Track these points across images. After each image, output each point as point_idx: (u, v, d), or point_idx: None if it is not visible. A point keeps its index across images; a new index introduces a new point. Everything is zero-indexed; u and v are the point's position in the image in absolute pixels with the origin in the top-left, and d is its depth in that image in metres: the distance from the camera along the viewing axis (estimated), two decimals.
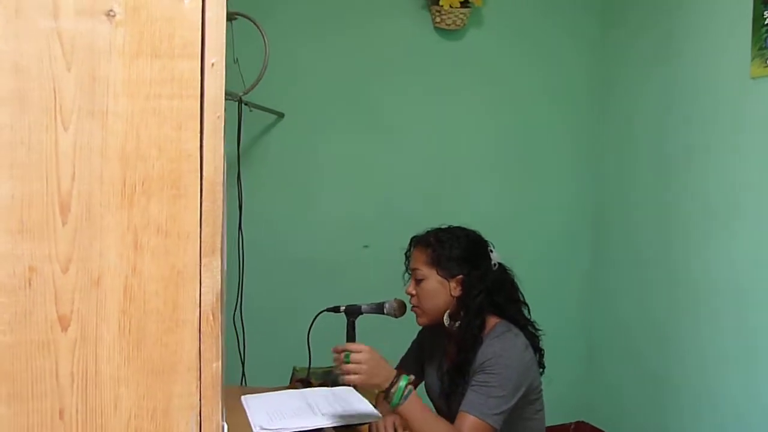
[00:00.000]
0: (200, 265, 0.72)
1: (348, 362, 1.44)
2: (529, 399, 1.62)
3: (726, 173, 2.13)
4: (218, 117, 0.72)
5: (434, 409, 1.69)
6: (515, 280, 1.74)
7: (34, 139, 0.66)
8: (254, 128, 2.37)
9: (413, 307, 1.72)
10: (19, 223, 0.66)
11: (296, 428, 1.43)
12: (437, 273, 1.67)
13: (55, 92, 0.66)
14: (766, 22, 2.01)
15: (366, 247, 2.51)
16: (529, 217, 2.68)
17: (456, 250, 1.69)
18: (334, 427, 1.45)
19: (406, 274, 1.75)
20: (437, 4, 2.48)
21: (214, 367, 0.73)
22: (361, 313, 1.78)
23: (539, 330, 1.71)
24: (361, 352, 1.44)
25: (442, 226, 1.74)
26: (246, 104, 2.15)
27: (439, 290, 1.67)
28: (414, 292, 1.70)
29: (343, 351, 1.46)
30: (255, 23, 2.12)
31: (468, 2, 2.50)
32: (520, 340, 1.62)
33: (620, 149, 2.67)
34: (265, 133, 2.42)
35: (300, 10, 2.41)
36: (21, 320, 0.66)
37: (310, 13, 2.43)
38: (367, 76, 2.50)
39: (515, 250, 2.38)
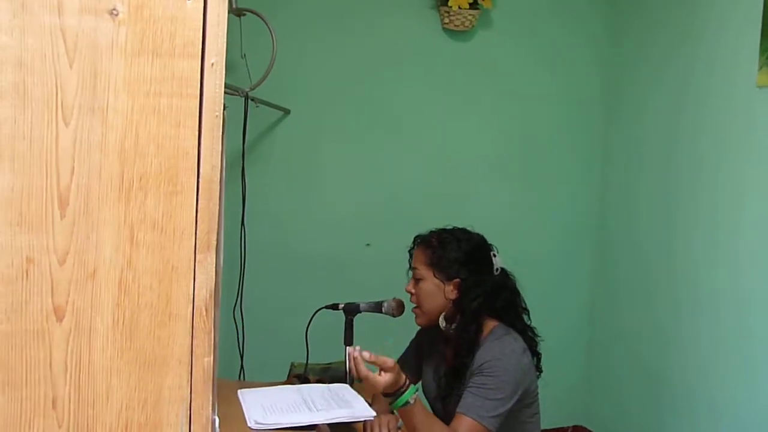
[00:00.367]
0: (195, 262, 0.73)
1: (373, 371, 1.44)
2: (526, 402, 1.62)
3: (732, 179, 2.13)
4: (216, 116, 0.73)
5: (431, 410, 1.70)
6: (517, 286, 1.73)
7: (35, 134, 0.67)
8: (260, 124, 2.39)
9: (414, 307, 1.73)
10: (18, 216, 0.67)
11: (291, 424, 1.45)
12: (435, 274, 1.68)
13: (57, 88, 0.67)
14: None
15: (368, 245, 2.52)
16: (534, 218, 2.68)
17: (456, 252, 1.69)
18: (328, 424, 1.46)
19: (409, 272, 1.76)
20: (446, 5, 2.48)
21: (205, 361, 0.75)
22: (360, 312, 1.79)
23: (538, 336, 1.71)
24: (388, 373, 1.43)
25: (447, 227, 1.74)
26: (252, 100, 2.17)
27: (436, 292, 1.68)
28: (413, 290, 1.71)
29: (373, 363, 1.44)
30: (263, 19, 2.13)
31: (477, 4, 2.51)
32: (518, 343, 1.63)
33: (627, 153, 2.67)
34: (270, 129, 2.44)
35: (309, 8, 2.42)
36: (17, 310, 0.67)
37: (319, 11, 2.44)
38: (374, 75, 2.51)
39: (519, 250, 2.40)
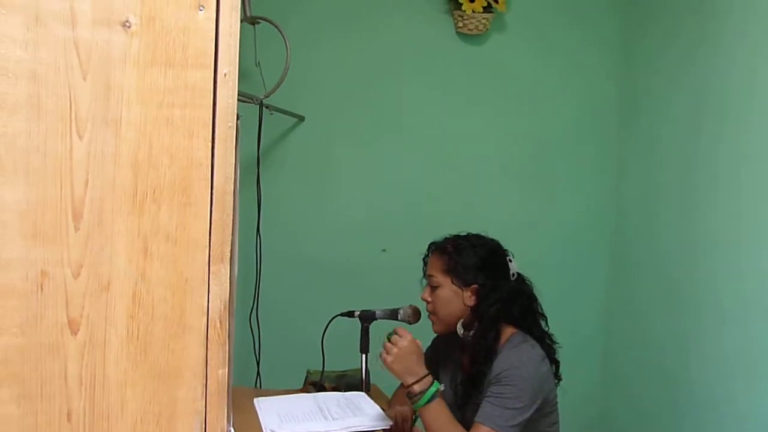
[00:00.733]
0: (208, 273, 0.73)
1: (388, 341, 1.54)
2: (545, 411, 1.60)
3: (756, 183, 2.08)
4: (230, 126, 0.73)
5: None
6: (534, 291, 1.71)
7: (49, 146, 0.67)
8: (274, 131, 2.39)
9: (429, 314, 1.72)
10: (32, 228, 0.67)
11: None
12: (452, 281, 1.66)
13: (70, 100, 0.68)
14: None
15: (384, 251, 2.51)
16: (549, 223, 2.65)
17: (473, 258, 1.67)
18: None
19: (423, 280, 1.74)
20: (460, 8, 2.47)
21: (220, 373, 0.74)
22: (376, 319, 1.78)
23: (556, 342, 1.69)
24: (403, 338, 1.53)
25: (461, 234, 1.73)
26: (267, 107, 2.17)
27: (453, 299, 1.66)
28: (429, 298, 1.70)
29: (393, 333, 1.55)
30: (277, 27, 2.14)
31: (491, 7, 2.49)
32: (536, 351, 1.60)
33: (643, 157, 2.63)
34: (285, 136, 2.44)
35: (322, 14, 2.43)
36: (32, 323, 0.67)
37: (332, 18, 2.44)
38: (388, 80, 2.50)
39: (534, 255, 2.37)
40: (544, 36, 2.60)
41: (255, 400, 1.62)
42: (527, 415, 1.51)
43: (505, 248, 1.73)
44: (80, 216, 0.68)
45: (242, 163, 2.30)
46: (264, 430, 1.45)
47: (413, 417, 1.69)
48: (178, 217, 0.71)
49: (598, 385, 2.77)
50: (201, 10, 0.70)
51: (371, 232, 2.49)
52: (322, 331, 1.78)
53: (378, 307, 1.82)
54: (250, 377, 2.21)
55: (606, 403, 2.77)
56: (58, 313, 0.68)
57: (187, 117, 0.71)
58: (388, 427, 1.50)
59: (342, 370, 1.93)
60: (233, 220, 0.80)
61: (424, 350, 1.81)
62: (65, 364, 0.68)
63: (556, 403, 1.65)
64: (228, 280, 0.74)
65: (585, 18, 2.64)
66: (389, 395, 1.85)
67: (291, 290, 2.41)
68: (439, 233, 1.75)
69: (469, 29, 2.51)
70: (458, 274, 1.66)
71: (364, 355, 1.77)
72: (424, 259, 1.74)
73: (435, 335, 1.78)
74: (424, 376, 1.52)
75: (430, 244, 1.73)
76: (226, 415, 0.77)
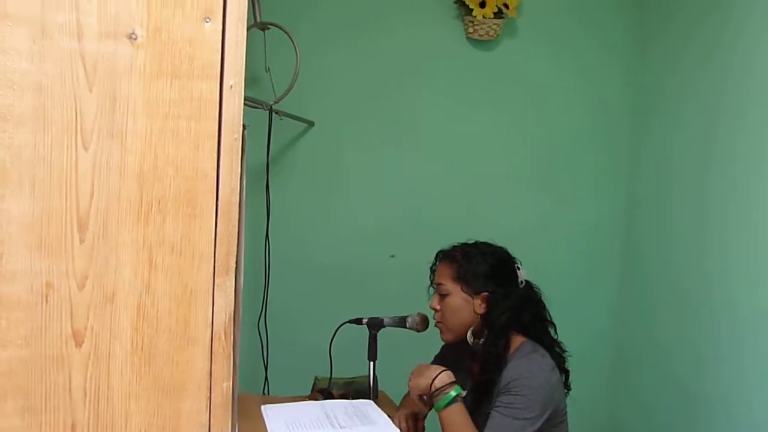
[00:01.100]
0: (213, 285, 0.72)
1: None
2: (554, 422, 1.58)
3: None
4: (236, 138, 0.73)
5: None
6: (542, 298, 1.70)
7: (54, 158, 0.67)
8: (284, 136, 2.39)
9: (437, 322, 1.71)
10: (38, 240, 0.67)
11: None
12: (462, 289, 1.65)
13: (76, 112, 0.67)
14: None
15: (392, 257, 2.50)
16: (558, 229, 2.63)
17: (482, 266, 1.66)
18: None
19: (431, 289, 1.73)
20: (470, 14, 2.46)
21: (224, 386, 0.74)
22: (384, 326, 1.77)
23: (565, 351, 1.68)
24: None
25: (469, 241, 1.72)
26: (276, 113, 2.17)
27: (464, 306, 1.65)
28: (438, 307, 1.69)
29: None
30: (287, 33, 2.14)
31: (502, 13, 2.48)
32: (546, 361, 1.59)
33: (655, 164, 2.60)
34: (294, 142, 2.44)
35: (332, 20, 2.43)
36: (37, 335, 0.67)
37: (342, 23, 2.44)
38: (398, 86, 2.50)
39: (544, 262, 2.35)
40: (555, 41, 2.59)
41: (262, 407, 1.62)
42: (537, 425, 1.49)
43: (513, 255, 1.71)
44: (85, 227, 0.68)
45: (252, 169, 2.31)
46: None
47: (423, 416, 1.70)
48: (183, 229, 0.71)
49: (608, 392, 2.74)
50: (207, 21, 0.70)
51: (380, 238, 2.49)
52: (330, 338, 1.78)
53: (386, 313, 1.82)
54: (258, 383, 2.21)
55: (616, 411, 2.74)
56: (63, 324, 0.68)
57: (193, 129, 0.71)
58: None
59: (350, 377, 1.92)
60: (239, 230, 0.80)
61: (432, 359, 1.81)
62: (69, 376, 0.68)
63: (566, 413, 1.63)
64: (233, 292, 0.74)
65: (596, 23, 2.62)
66: (397, 403, 1.84)
67: (299, 296, 2.40)
68: (449, 239, 1.74)
69: (479, 35, 2.50)
70: (468, 282, 1.65)
71: (372, 363, 1.76)
72: (431, 268, 1.72)
73: (443, 344, 1.77)
74: (441, 372, 1.57)
75: (438, 252, 1.72)
76: (230, 427, 0.76)
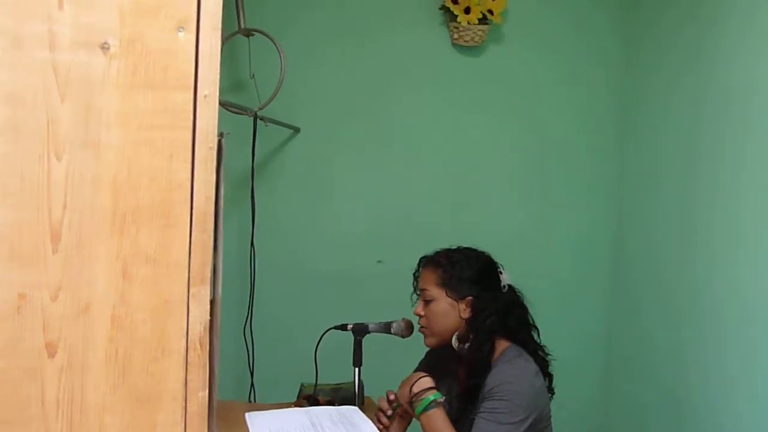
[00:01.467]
0: (188, 295, 0.72)
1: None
2: (539, 427, 1.58)
3: (755, 192, 2.07)
4: (210, 148, 0.73)
5: None
6: (525, 302, 1.71)
7: (27, 169, 0.67)
8: (270, 143, 2.39)
9: (421, 327, 1.71)
10: (10, 251, 0.67)
11: None
12: (447, 294, 1.65)
13: (49, 123, 0.67)
14: None
15: (380, 262, 2.50)
16: (547, 234, 2.64)
17: (467, 271, 1.67)
18: None
19: (414, 295, 1.74)
20: (455, 20, 2.47)
21: (200, 396, 0.73)
22: (369, 332, 1.77)
23: (549, 355, 1.68)
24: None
25: (452, 247, 1.72)
26: (261, 119, 2.17)
27: (449, 312, 1.66)
28: (422, 312, 1.69)
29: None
30: (272, 39, 2.14)
31: (486, 19, 2.49)
32: (530, 365, 1.60)
33: (644, 168, 2.62)
34: (280, 148, 2.44)
35: (317, 26, 2.43)
36: (9, 347, 0.67)
37: (327, 29, 2.44)
38: (384, 92, 2.50)
39: (533, 267, 2.37)
40: (540, 47, 2.60)
41: (246, 414, 1.61)
42: (521, 430, 1.50)
43: (495, 260, 1.72)
44: (58, 238, 0.68)
45: (237, 176, 2.31)
46: None
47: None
48: (157, 239, 0.71)
49: (597, 398, 2.75)
50: (181, 31, 0.70)
51: (367, 244, 2.49)
52: (315, 344, 1.78)
53: (374, 319, 1.82)
54: (244, 391, 2.20)
55: (606, 417, 2.75)
56: (36, 336, 0.68)
57: (167, 139, 0.71)
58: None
59: (336, 383, 1.92)
60: (217, 239, 0.79)
61: (417, 365, 1.81)
62: (43, 387, 0.68)
63: (550, 417, 1.63)
64: (208, 302, 0.73)
65: (581, 28, 2.64)
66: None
67: (285, 303, 2.40)
68: (436, 245, 1.75)
69: (465, 41, 2.52)
70: (453, 287, 1.65)
71: (357, 369, 1.76)
72: (414, 274, 1.73)
73: (427, 349, 1.77)
74: (420, 378, 1.59)
75: (421, 258, 1.73)
76: None
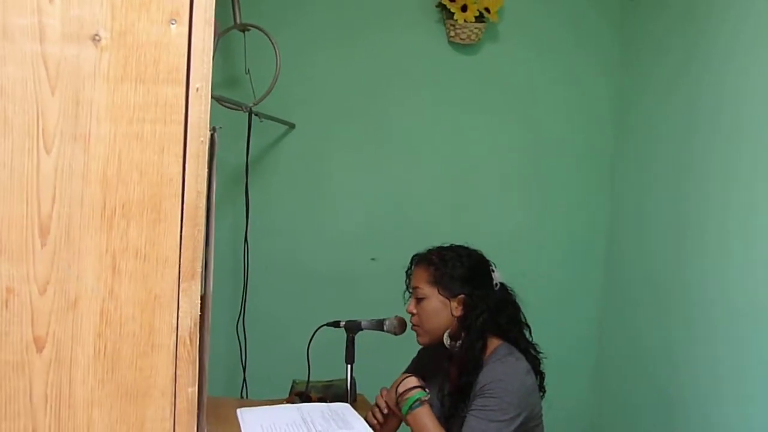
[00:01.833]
0: (178, 290, 0.72)
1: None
2: (530, 425, 1.59)
3: (747, 193, 2.08)
4: (202, 142, 0.72)
5: None
6: (517, 300, 1.71)
7: (16, 162, 0.66)
8: (265, 139, 2.38)
9: (413, 326, 1.71)
10: None
11: None
12: (439, 292, 1.66)
13: (38, 115, 0.67)
14: None
15: (373, 260, 2.50)
16: (541, 233, 2.65)
17: (459, 269, 1.67)
18: None
19: (407, 293, 1.74)
20: (452, 18, 2.47)
21: (189, 391, 0.73)
22: (361, 329, 1.77)
23: (540, 353, 1.69)
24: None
25: (444, 245, 1.72)
26: (256, 115, 2.16)
27: (441, 309, 1.66)
28: (415, 310, 1.69)
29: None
30: (267, 35, 2.13)
31: (483, 17, 2.49)
32: (522, 364, 1.60)
33: (637, 168, 2.62)
34: (275, 144, 2.43)
35: (313, 22, 2.42)
36: None
37: (323, 26, 2.43)
38: (380, 89, 2.50)
39: (527, 265, 2.37)
40: (536, 45, 2.60)
41: (238, 410, 1.60)
42: (512, 427, 1.50)
43: (487, 258, 1.72)
44: (47, 232, 0.67)
45: (231, 171, 2.30)
46: None
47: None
48: (147, 234, 0.70)
49: (589, 396, 2.76)
50: (173, 24, 0.70)
51: (361, 241, 2.48)
52: (308, 341, 1.77)
53: (367, 316, 1.82)
54: (236, 387, 2.20)
55: (597, 416, 2.76)
56: (24, 330, 0.67)
57: (158, 132, 0.70)
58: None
59: (328, 380, 1.92)
60: (209, 234, 0.79)
61: (409, 363, 1.81)
62: (30, 382, 0.67)
63: (541, 415, 1.64)
64: (198, 298, 0.73)
65: (578, 27, 2.64)
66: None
67: (278, 299, 2.39)
68: (430, 243, 1.74)
69: (461, 39, 2.51)
70: (445, 285, 1.65)
71: (349, 366, 1.76)
72: (407, 272, 1.73)
73: (420, 347, 1.77)
74: (405, 378, 1.60)
75: (413, 257, 1.73)
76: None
